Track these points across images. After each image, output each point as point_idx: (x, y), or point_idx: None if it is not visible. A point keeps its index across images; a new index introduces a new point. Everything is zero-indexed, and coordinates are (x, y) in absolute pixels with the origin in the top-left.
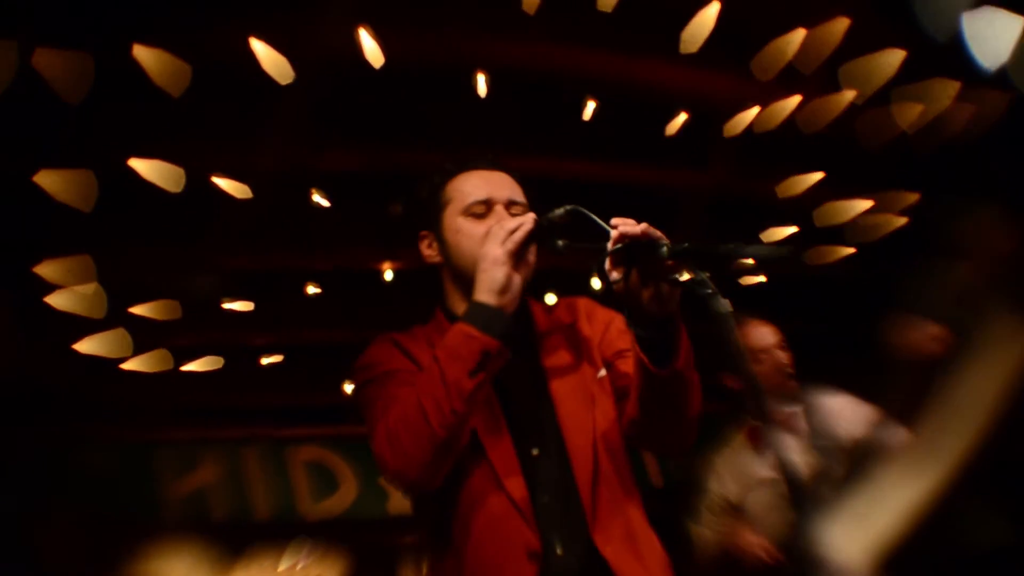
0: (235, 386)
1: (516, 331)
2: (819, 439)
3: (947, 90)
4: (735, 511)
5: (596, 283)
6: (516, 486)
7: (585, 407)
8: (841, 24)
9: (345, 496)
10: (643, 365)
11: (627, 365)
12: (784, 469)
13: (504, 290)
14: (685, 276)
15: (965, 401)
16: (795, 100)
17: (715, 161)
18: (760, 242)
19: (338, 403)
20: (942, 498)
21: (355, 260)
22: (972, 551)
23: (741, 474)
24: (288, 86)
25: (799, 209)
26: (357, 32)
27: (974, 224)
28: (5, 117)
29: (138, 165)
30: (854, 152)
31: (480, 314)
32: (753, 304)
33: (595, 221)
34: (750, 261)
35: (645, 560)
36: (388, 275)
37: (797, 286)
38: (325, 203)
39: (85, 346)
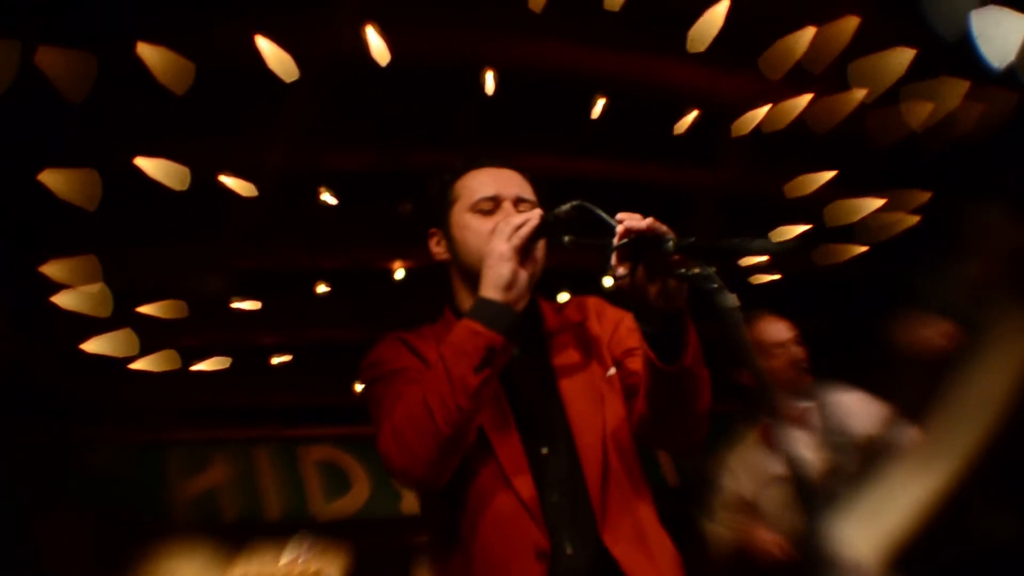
0: (246, 386)
1: (526, 329)
2: (832, 435)
3: (956, 89)
4: (749, 508)
5: (608, 282)
6: (524, 485)
7: (595, 406)
8: (851, 23)
9: (357, 496)
10: (651, 362)
11: (636, 363)
12: (793, 466)
13: (510, 286)
14: (695, 270)
15: (974, 398)
16: (806, 99)
17: (726, 160)
18: (767, 238)
19: (351, 402)
20: (952, 495)
21: (366, 259)
22: (982, 548)
23: (755, 471)
24: (297, 84)
25: (810, 208)
26: (364, 30)
27: (983, 221)
28: (11, 116)
29: (144, 164)
30: (864, 151)
31: (485, 310)
32: (765, 302)
33: (601, 216)
34: (761, 257)
35: (656, 560)
36: (399, 274)
37: (808, 284)
38: (333, 201)
39: (92, 346)
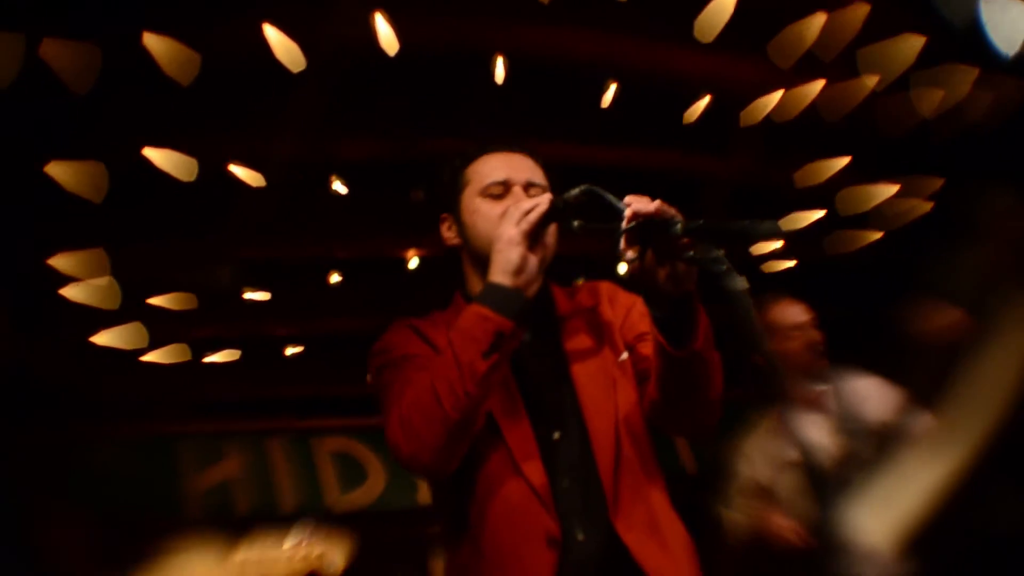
0: (259, 377)
1: (537, 314)
2: (847, 421)
3: (965, 77)
4: (765, 494)
5: (623, 268)
6: (534, 471)
7: (607, 391)
8: (861, 10)
9: (373, 487)
10: (661, 346)
11: (648, 348)
12: (804, 452)
13: (519, 271)
14: (704, 253)
15: (986, 384)
16: (817, 86)
17: (738, 148)
18: (775, 221)
19: (365, 393)
20: (964, 482)
21: (379, 248)
22: (994, 534)
23: (771, 457)
24: (307, 73)
25: (823, 195)
26: (372, 18)
27: (994, 209)
28: (17, 109)
29: (152, 154)
30: (876, 139)
31: (494, 295)
32: (778, 288)
33: (610, 201)
34: (774, 244)
35: (668, 546)
36: (413, 263)
37: (821, 271)
38: (344, 190)
39: (102, 339)
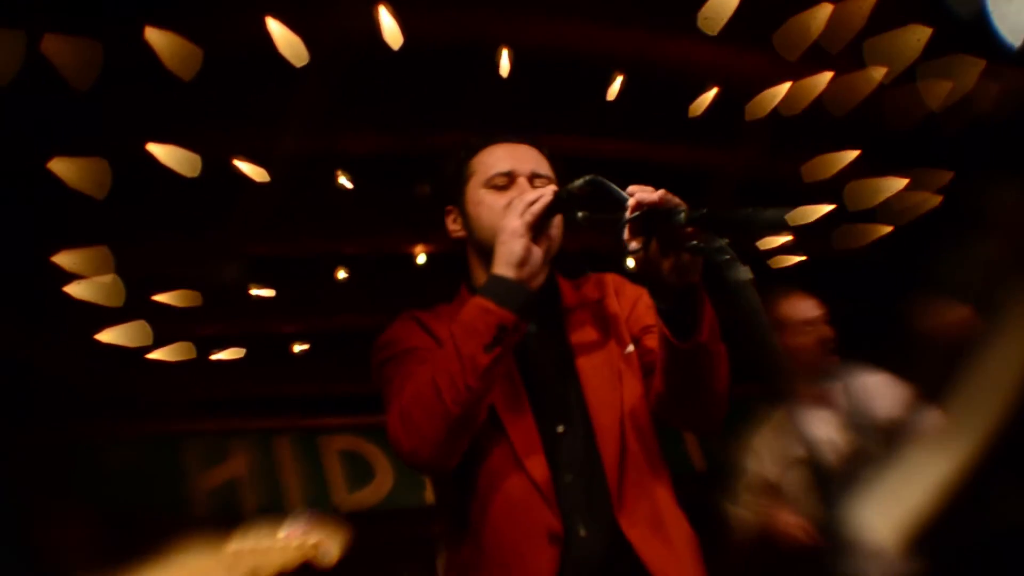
0: (266, 375)
1: (543, 306)
2: (856, 417)
3: (973, 68)
4: (773, 491)
5: (631, 263)
6: (537, 465)
7: (612, 384)
8: (867, 1)
9: (381, 486)
10: (666, 339)
11: (654, 341)
12: (810, 449)
13: (522, 262)
14: (707, 243)
15: (991, 379)
16: (825, 77)
17: (745, 141)
18: (779, 209)
19: (373, 391)
20: (970, 477)
21: (386, 244)
22: (1001, 529)
23: (780, 454)
24: (312, 67)
25: (830, 189)
26: (376, 11)
27: (1002, 201)
28: (19, 105)
29: (156, 150)
30: (883, 131)
31: (497, 287)
32: (787, 283)
33: (614, 191)
34: (784, 238)
35: (672, 543)
36: (421, 259)
37: (830, 265)
38: (350, 185)
39: (107, 336)
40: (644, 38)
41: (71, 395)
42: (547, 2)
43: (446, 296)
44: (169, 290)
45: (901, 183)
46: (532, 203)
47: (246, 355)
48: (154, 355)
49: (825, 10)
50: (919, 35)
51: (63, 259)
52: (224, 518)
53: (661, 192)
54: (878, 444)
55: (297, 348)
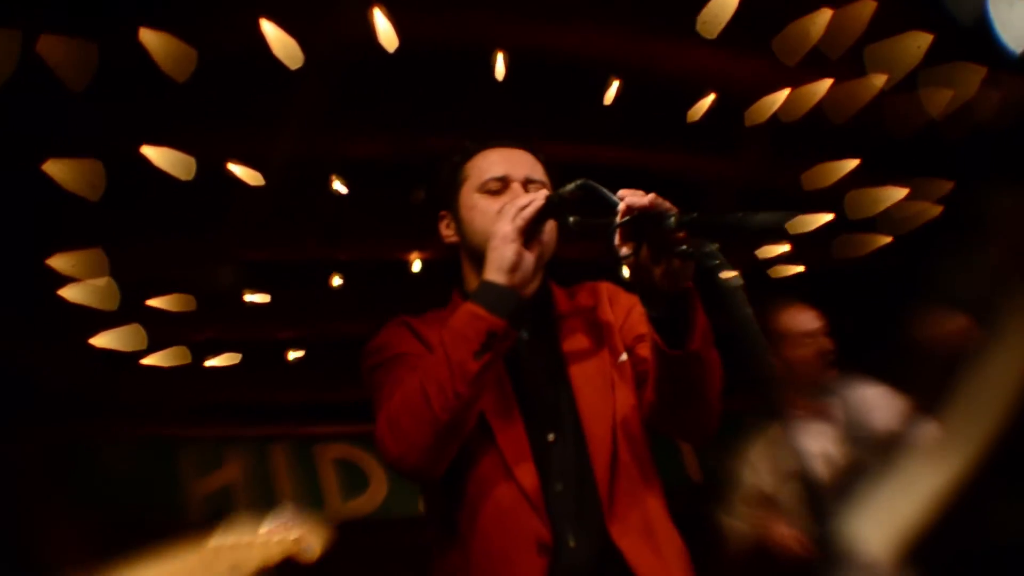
0: (261, 382)
1: (535, 313)
2: (854, 430)
3: (974, 75)
4: (769, 503)
5: (626, 272)
6: (526, 474)
7: (605, 393)
8: (867, 6)
9: (375, 494)
10: (658, 346)
11: (647, 350)
12: (800, 464)
13: (513, 268)
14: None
15: (989, 388)
16: (825, 84)
17: (744, 148)
18: (770, 212)
19: (369, 399)
20: (966, 488)
21: (381, 250)
22: (997, 541)
23: (776, 466)
24: (306, 70)
25: (830, 198)
26: (371, 14)
27: (1002, 209)
28: (14, 106)
29: (150, 153)
30: (884, 139)
31: (488, 294)
32: (786, 293)
33: (606, 195)
34: (782, 248)
35: (663, 553)
36: (416, 266)
37: (830, 275)
38: (344, 190)
39: (101, 341)
40: (643, 43)
41: (68, 398)
42: (544, 6)
43: (442, 304)
44: (163, 294)
45: (901, 193)
46: (523, 208)
47: (241, 362)
48: (148, 360)
49: (825, 15)
50: (920, 42)
51: (58, 262)
52: (218, 524)
53: (651, 196)
54: (875, 457)
55: (292, 355)
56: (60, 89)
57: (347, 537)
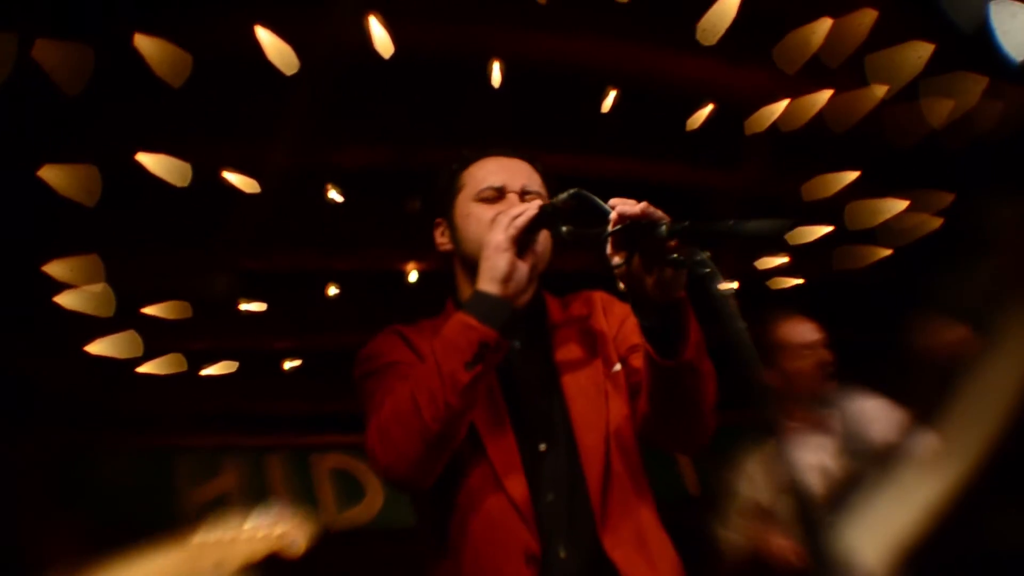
0: (257, 392)
1: (529, 322)
2: (852, 443)
3: (975, 85)
4: (766, 515)
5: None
6: (516, 484)
7: (598, 403)
8: (868, 16)
9: (371, 505)
10: (650, 356)
11: (640, 360)
12: (792, 478)
13: (507, 278)
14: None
15: (986, 398)
16: (825, 95)
17: (744, 159)
18: (762, 220)
19: (365, 409)
20: (964, 498)
21: (378, 260)
22: (994, 551)
23: (773, 477)
24: (302, 77)
25: (832, 209)
26: (367, 21)
27: (1003, 219)
28: (9, 111)
29: (145, 160)
30: (884, 150)
31: (481, 304)
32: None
33: (599, 204)
34: (781, 260)
35: (656, 565)
36: (413, 276)
37: (830, 287)
38: (339, 199)
39: (96, 348)
40: (642, 53)
41: (64, 406)
42: (541, 15)
43: (437, 314)
44: (158, 302)
45: (902, 205)
46: (516, 217)
47: (238, 371)
48: (145, 368)
49: (825, 24)
50: (921, 51)
51: (53, 268)
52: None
53: (643, 204)
54: (873, 469)
55: (288, 365)
56: (55, 94)
57: (343, 547)
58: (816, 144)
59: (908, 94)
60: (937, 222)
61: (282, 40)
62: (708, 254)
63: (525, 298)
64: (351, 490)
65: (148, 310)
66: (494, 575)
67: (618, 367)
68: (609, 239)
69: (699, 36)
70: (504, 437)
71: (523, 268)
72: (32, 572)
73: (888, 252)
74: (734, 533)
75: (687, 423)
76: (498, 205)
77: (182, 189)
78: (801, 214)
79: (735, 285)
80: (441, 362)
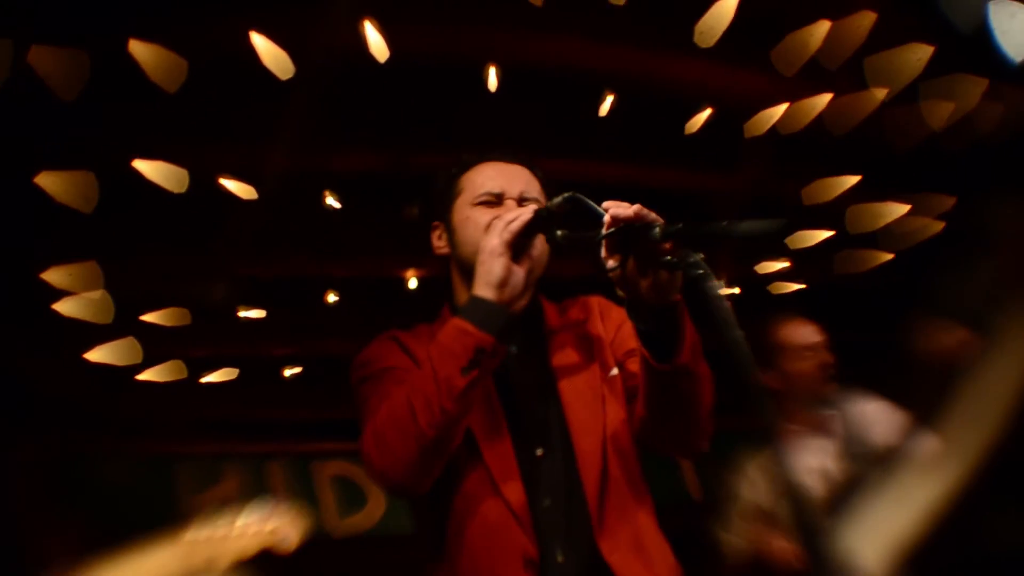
0: (258, 399)
1: (525, 327)
2: (853, 445)
3: (975, 87)
4: (767, 518)
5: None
6: (513, 490)
7: (595, 407)
8: (867, 18)
9: (373, 512)
10: (646, 360)
11: (637, 364)
12: (789, 482)
13: (502, 283)
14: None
15: (986, 400)
16: (825, 98)
17: (744, 163)
18: (755, 220)
19: (361, 414)
20: (963, 499)
21: (377, 267)
22: (993, 552)
23: (775, 480)
24: (301, 83)
25: (833, 213)
26: (362, 26)
27: (1004, 221)
28: (4, 117)
29: (142, 166)
30: (884, 152)
31: (477, 309)
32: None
33: (591, 207)
34: (781, 264)
35: (654, 569)
36: (413, 283)
37: (831, 291)
38: (337, 205)
39: (95, 355)
40: (640, 56)
41: (65, 413)
42: (538, 18)
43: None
44: (158, 309)
45: (903, 208)
46: (511, 222)
47: (238, 378)
48: (144, 375)
49: (823, 27)
50: (920, 54)
51: (51, 275)
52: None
53: (636, 207)
54: (874, 472)
55: (288, 372)
56: (51, 99)
57: (345, 554)
58: (816, 148)
59: (908, 97)
60: (939, 226)
61: (277, 45)
62: (702, 256)
63: (522, 303)
64: (353, 497)
65: (147, 317)
66: None
67: (615, 371)
68: (603, 242)
69: (697, 39)
70: (501, 442)
71: (519, 273)
72: (32, 572)
73: (889, 256)
74: (735, 536)
75: (684, 426)
76: (496, 210)
77: (179, 195)
78: (802, 218)
79: (737, 291)
80: (437, 367)
